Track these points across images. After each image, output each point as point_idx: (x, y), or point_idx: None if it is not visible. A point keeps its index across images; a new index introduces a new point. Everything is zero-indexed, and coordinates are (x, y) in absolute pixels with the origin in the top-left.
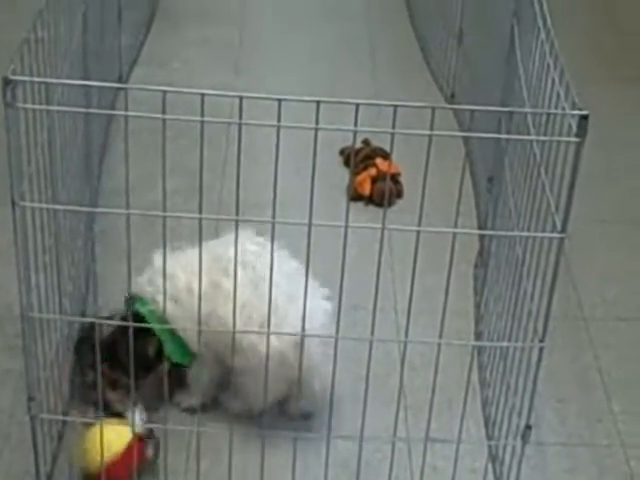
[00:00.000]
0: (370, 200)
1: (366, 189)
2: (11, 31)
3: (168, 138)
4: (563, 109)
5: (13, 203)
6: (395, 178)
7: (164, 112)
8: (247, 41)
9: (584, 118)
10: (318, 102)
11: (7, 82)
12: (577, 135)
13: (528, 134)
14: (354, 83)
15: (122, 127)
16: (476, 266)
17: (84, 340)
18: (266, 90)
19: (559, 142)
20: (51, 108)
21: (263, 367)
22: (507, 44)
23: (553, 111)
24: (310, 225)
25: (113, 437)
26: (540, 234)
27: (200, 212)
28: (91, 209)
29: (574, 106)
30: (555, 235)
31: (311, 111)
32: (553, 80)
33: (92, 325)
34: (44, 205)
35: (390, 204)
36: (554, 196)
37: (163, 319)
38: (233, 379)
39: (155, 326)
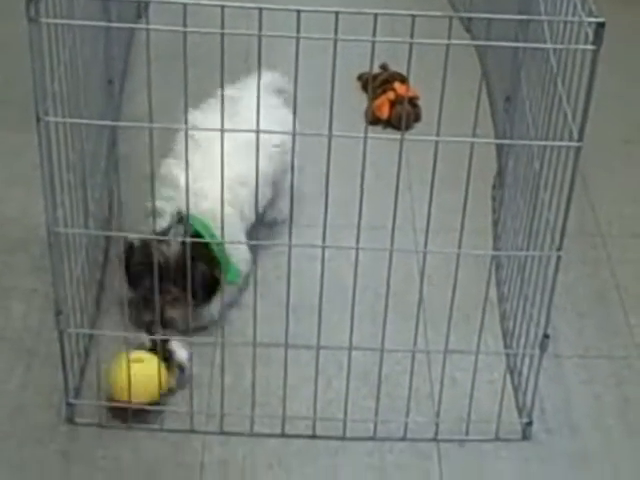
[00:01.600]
0: (388, 123)
1: (384, 112)
2: None
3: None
4: (580, 17)
5: (38, 118)
6: (413, 101)
7: (185, 25)
8: None
9: (600, 25)
10: (337, 13)
11: None
12: (593, 43)
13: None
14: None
15: (141, 55)
16: (494, 187)
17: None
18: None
19: (576, 52)
20: (73, 22)
21: None
22: None
23: (569, 19)
24: (330, 137)
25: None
26: (557, 143)
27: (222, 126)
28: (114, 123)
29: (590, 14)
30: (572, 144)
31: (328, 29)
32: None
33: (145, 244)
34: (68, 120)
35: (408, 127)
36: (571, 106)
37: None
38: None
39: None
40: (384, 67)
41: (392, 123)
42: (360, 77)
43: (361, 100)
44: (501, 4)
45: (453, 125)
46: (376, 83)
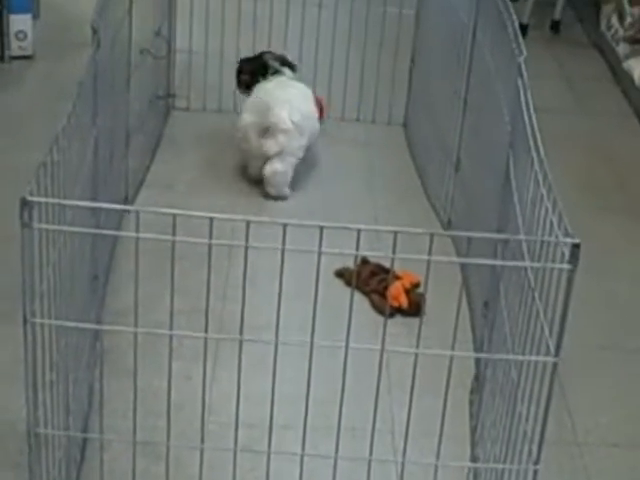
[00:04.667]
0: (401, 311)
1: (403, 301)
2: (15, 154)
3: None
4: (556, 237)
5: (25, 320)
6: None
7: (174, 234)
8: None
9: (576, 246)
10: (321, 227)
11: (25, 203)
12: (569, 262)
13: (523, 261)
14: (353, 210)
15: (127, 249)
16: (472, 391)
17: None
18: (268, 212)
19: (552, 269)
20: (66, 229)
21: None
22: (502, 174)
23: (546, 238)
24: (312, 345)
25: None
26: (534, 358)
27: (206, 331)
28: (99, 326)
29: (566, 234)
30: (549, 359)
31: (309, 236)
32: (547, 209)
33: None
34: (55, 322)
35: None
36: (548, 321)
37: None
38: None
39: None
40: (365, 260)
41: (410, 311)
42: (341, 274)
43: (342, 295)
44: (480, 208)
45: (433, 328)
46: (365, 275)
